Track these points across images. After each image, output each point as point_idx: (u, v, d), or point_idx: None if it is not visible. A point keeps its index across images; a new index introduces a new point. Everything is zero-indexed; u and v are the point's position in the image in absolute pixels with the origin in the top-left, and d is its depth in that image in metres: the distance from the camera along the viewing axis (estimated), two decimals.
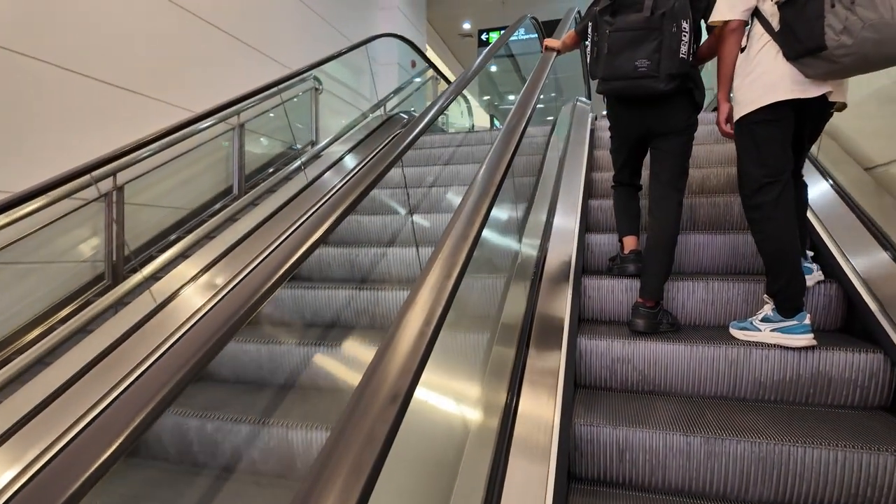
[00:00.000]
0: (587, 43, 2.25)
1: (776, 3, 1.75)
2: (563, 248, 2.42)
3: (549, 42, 2.71)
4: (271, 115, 4.24)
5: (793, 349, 1.76)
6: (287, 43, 5.30)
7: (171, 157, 3.18)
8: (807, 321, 1.77)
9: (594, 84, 2.24)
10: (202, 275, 2.67)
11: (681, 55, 1.91)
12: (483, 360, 1.71)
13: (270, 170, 4.11)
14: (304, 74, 4.35)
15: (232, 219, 3.43)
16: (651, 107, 2.08)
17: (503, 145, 1.50)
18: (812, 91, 1.74)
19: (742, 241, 2.41)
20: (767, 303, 1.89)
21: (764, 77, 1.79)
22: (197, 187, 3.66)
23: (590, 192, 3.20)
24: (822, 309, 2.06)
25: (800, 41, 1.66)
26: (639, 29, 1.95)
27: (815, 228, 2.33)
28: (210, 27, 4.08)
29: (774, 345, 1.79)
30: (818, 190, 2.48)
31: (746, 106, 1.83)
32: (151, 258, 3.00)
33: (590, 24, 2.19)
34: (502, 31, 9.41)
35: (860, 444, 1.41)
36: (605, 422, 1.58)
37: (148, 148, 2.81)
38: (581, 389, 1.92)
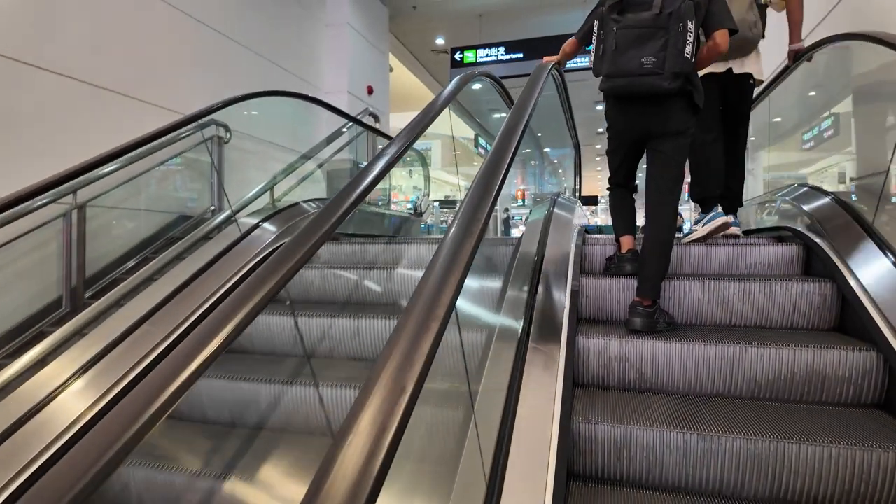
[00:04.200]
0: (590, 51, 2.27)
1: None
2: None
3: (547, 59, 2.71)
4: (157, 172, 3.28)
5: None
6: (181, 82, 4.24)
7: None
8: (720, 210, 2.60)
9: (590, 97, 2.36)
10: None
11: (685, 54, 1.95)
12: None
13: (141, 256, 3.02)
14: (181, 130, 3.22)
15: (42, 362, 2.23)
16: (651, 106, 2.10)
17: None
18: (718, 69, 2.69)
19: (738, 252, 2.46)
20: (696, 214, 2.75)
21: None
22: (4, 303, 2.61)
23: None
24: (816, 308, 2.09)
25: None
26: (647, 27, 1.99)
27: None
28: (34, 71, 2.97)
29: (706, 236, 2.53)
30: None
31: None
32: None
33: (595, 23, 2.21)
34: (479, 51, 8.65)
35: (853, 441, 1.43)
36: (603, 420, 1.60)
37: None
38: (580, 388, 1.93)
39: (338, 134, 5.24)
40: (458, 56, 8.77)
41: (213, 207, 3.70)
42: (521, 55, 8.44)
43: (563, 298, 2.12)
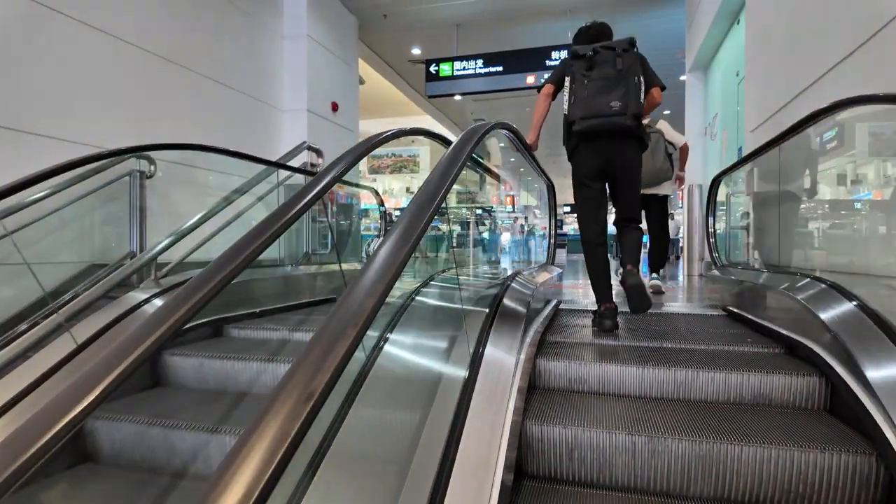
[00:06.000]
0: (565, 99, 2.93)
1: None
2: None
3: (531, 137, 3.18)
4: (59, 216, 3.00)
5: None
6: (93, 110, 3.95)
7: None
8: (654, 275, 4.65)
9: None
10: None
11: (640, 100, 2.76)
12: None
13: (31, 320, 2.62)
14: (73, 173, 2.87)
15: None
16: (616, 143, 2.82)
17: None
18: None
19: None
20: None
21: None
22: None
23: None
24: None
25: None
26: (612, 79, 2.75)
27: None
28: None
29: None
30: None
31: None
32: None
33: (567, 78, 2.89)
34: (455, 63, 8.53)
35: (792, 442, 1.61)
36: (556, 421, 1.77)
37: None
38: (537, 391, 2.13)
39: (258, 178, 4.34)
40: (433, 69, 8.74)
41: (132, 252, 3.33)
42: (500, 68, 8.40)
43: None
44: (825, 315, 2.04)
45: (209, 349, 2.76)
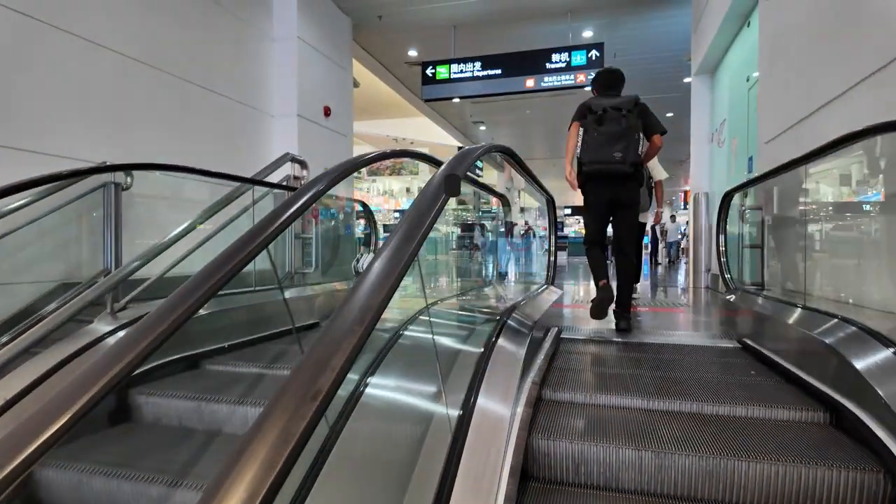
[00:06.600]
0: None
1: None
2: None
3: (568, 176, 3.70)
4: (24, 233, 2.89)
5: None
6: (61, 120, 3.78)
7: None
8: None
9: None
10: None
11: (638, 152, 3.57)
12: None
13: None
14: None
15: None
16: (617, 183, 3.62)
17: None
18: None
19: None
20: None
21: None
22: None
23: None
24: None
25: None
26: (616, 134, 3.52)
27: None
28: None
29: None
30: None
31: None
32: None
33: (581, 128, 3.66)
34: (452, 66, 8.46)
35: (799, 458, 1.65)
36: (562, 436, 1.81)
37: None
38: (543, 402, 2.19)
39: (241, 191, 3.99)
40: (429, 71, 8.73)
41: (106, 268, 3.07)
42: (499, 71, 8.39)
43: None
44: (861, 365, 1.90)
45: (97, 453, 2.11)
